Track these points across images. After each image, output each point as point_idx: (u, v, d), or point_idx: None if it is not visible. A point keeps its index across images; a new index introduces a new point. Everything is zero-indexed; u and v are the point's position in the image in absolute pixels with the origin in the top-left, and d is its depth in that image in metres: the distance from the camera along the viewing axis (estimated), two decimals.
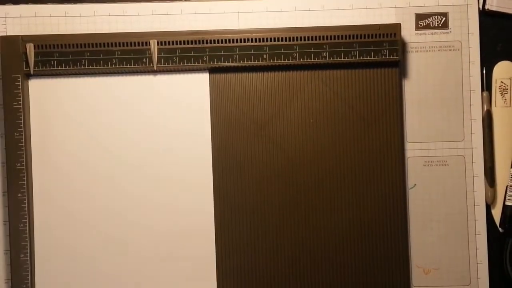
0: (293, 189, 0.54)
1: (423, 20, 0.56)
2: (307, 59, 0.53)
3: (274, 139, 0.54)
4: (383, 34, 0.53)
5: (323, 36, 0.53)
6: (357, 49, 0.53)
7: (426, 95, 0.55)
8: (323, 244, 0.54)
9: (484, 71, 0.56)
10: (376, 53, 0.53)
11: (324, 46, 0.53)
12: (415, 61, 0.55)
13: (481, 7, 0.56)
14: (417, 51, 0.56)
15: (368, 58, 0.53)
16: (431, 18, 0.56)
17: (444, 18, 0.55)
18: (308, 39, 0.53)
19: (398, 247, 0.54)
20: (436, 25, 0.55)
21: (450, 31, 0.55)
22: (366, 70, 0.54)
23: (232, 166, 0.54)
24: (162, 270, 0.54)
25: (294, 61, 0.53)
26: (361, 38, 0.53)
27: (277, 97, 0.54)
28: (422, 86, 0.55)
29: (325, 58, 0.53)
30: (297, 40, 0.53)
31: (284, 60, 0.53)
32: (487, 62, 0.56)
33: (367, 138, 0.54)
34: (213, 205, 0.54)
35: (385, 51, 0.53)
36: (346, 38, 0.53)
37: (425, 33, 0.55)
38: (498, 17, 0.56)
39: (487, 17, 0.56)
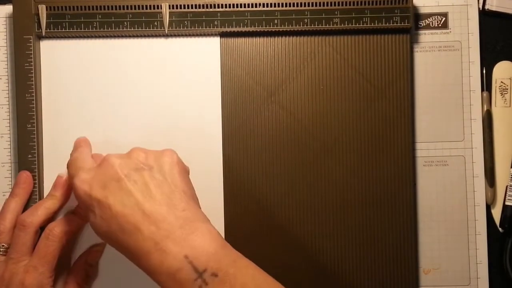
0: (302, 156, 0.54)
1: (422, 20, 0.55)
2: (318, 25, 0.53)
3: (284, 105, 0.54)
4: (395, 1, 0.53)
5: (335, 2, 0.53)
6: (369, 15, 0.53)
7: (426, 95, 0.55)
8: (330, 209, 0.54)
9: (484, 71, 0.56)
10: (387, 20, 0.53)
11: (336, 12, 0.53)
12: (414, 61, 0.55)
13: (481, 7, 0.56)
14: (416, 51, 0.55)
15: (380, 25, 0.53)
16: (430, 18, 0.55)
17: (444, 18, 0.55)
18: (320, 5, 0.53)
19: (405, 214, 0.54)
20: (436, 25, 0.55)
21: (450, 31, 0.55)
22: (377, 36, 0.54)
23: (241, 132, 0.54)
24: None
25: (305, 27, 0.53)
26: (372, 4, 0.53)
27: (288, 63, 0.54)
28: (421, 86, 0.55)
29: (336, 24, 0.53)
30: (308, 5, 0.53)
31: (295, 26, 0.53)
32: (487, 62, 0.56)
33: (377, 105, 0.54)
34: (222, 171, 0.54)
35: (397, 18, 0.53)
36: (357, 5, 0.53)
37: (424, 33, 0.55)
38: (498, 17, 0.56)
39: (487, 17, 0.56)
